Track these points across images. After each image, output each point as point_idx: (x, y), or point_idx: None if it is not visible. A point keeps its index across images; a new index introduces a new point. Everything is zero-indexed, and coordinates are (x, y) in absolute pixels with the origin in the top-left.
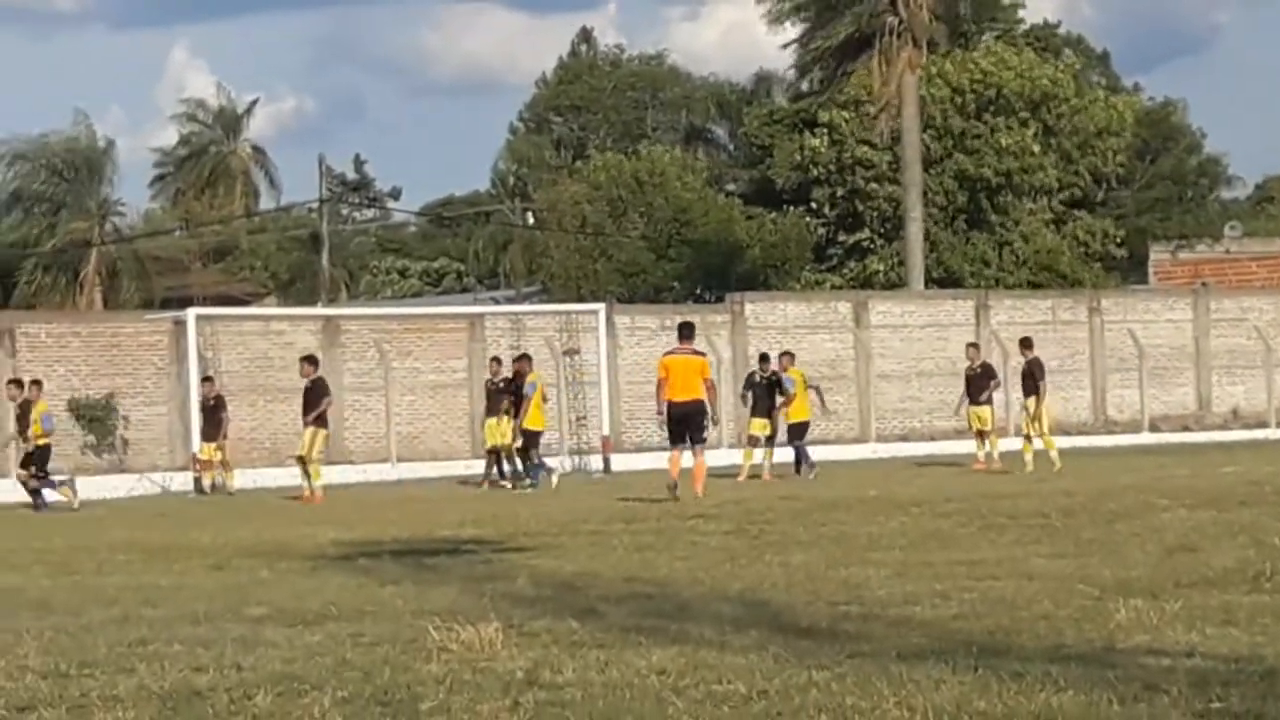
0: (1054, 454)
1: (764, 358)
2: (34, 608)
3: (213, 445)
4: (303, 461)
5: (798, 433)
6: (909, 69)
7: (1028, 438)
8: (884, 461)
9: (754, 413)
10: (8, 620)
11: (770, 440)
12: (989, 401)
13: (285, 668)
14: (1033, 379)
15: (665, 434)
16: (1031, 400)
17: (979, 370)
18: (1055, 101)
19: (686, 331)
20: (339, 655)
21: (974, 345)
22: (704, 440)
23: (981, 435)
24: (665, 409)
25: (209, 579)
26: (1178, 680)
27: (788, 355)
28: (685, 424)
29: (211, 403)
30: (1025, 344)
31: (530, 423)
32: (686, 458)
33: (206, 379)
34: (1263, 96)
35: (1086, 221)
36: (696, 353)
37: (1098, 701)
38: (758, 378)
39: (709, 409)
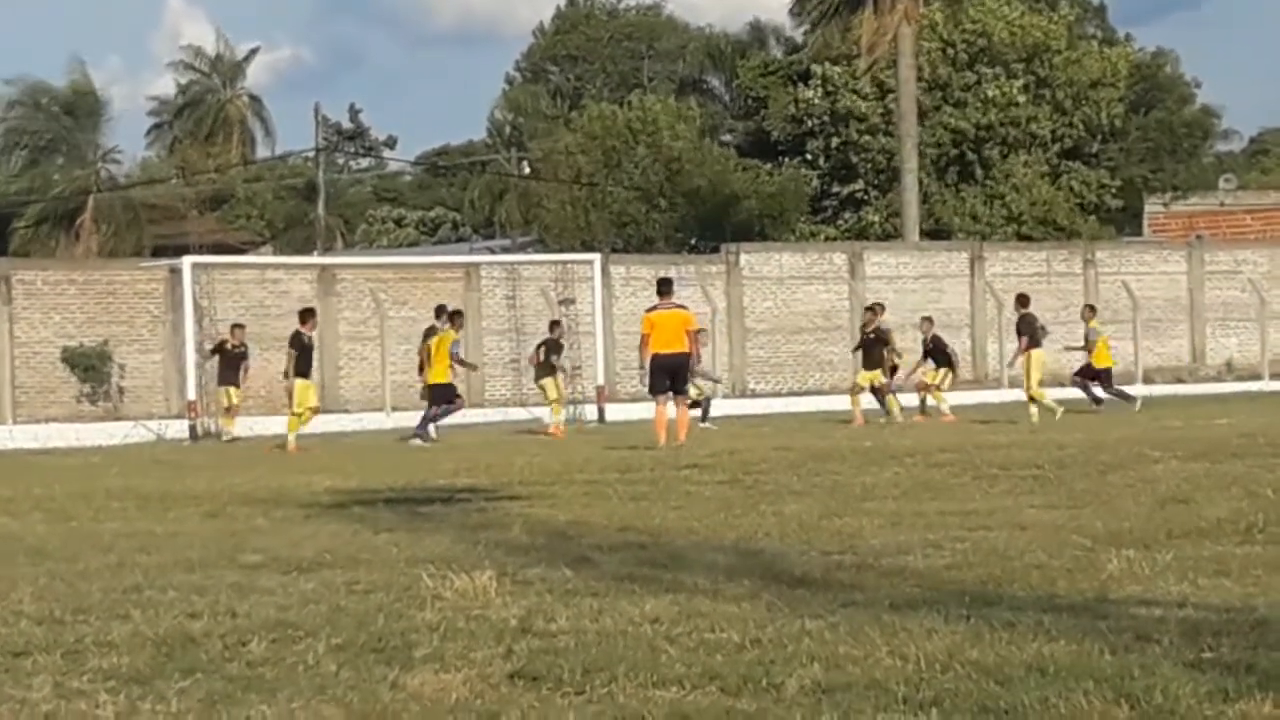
0: (1033, 410)
1: (871, 308)
2: (30, 554)
3: (235, 390)
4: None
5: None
6: (905, 20)
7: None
8: (879, 411)
9: (865, 365)
10: (4, 566)
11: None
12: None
13: (280, 614)
14: (1019, 335)
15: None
16: (1021, 357)
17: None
18: (1048, 53)
19: (666, 287)
20: (333, 602)
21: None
22: (685, 391)
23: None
24: (651, 362)
25: (204, 526)
26: (1169, 630)
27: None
28: (671, 375)
29: (241, 349)
30: (1020, 300)
31: (436, 377)
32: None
33: (238, 325)
34: (1259, 50)
35: (1081, 173)
36: (679, 306)
37: (1089, 651)
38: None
39: (694, 360)
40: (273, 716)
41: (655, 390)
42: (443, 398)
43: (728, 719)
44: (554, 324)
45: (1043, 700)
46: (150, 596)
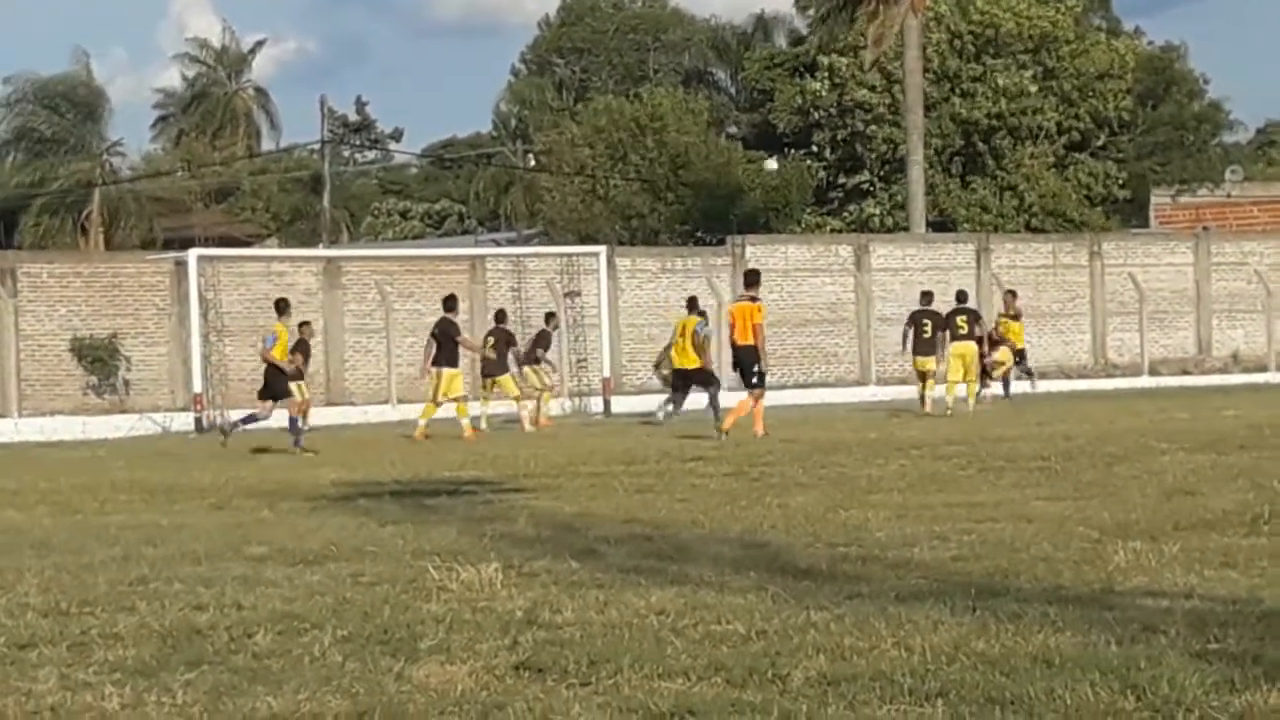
0: (949, 398)
1: (926, 295)
2: (36, 546)
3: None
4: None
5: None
6: (912, 11)
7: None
8: (884, 404)
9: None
10: (10, 558)
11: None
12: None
13: (285, 606)
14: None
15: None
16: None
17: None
18: (1055, 44)
19: (752, 278)
20: (339, 594)
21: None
22: (756, 386)
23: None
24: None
25: (210, 518)
26: (1176, 621)
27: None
28: (737, 367)
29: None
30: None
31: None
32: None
33: (305, 323)
34: (1265, 41)
35: (1088, 165)
36: (753, 299)
37: (1095, 642)
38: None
39: (759, 354)
40: (279, 708)
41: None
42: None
43: (733, 711)
44: (550, 315)
45: (1049, 691)
46: (156, 589)
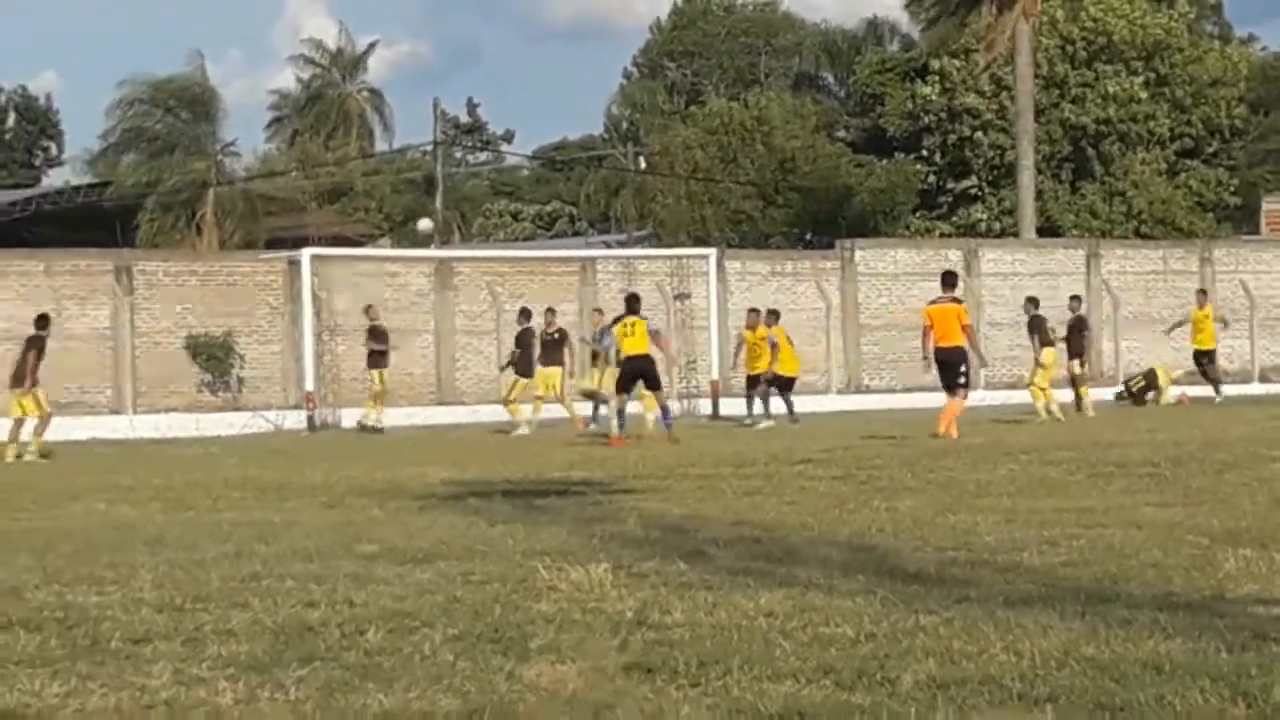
0: (1039, 405)
1: (1075, 298)
2: (150, 542)
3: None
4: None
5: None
6: (1024, 16)
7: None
8: (993, 408)
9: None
10: (124, 554)
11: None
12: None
13: (396, 604)
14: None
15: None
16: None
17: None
18: (1168, 51)
19: (950, 280)
20: (449, 593)
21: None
22: (960, 386)
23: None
24: (934, 355)
25: (321, 516)
26: None
27: (772, 314)
28: (943, 369)
29: (555, 335)
30: (1032, 302)
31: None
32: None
33: (550, 309)
34: None
35: (1200, 171)
36: (955, 300)
37: (1206, 649)
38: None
39: (968, 354)
40: (390, 705)
41: (944, 385)
42: None
43: (842, 713)
44: (524, 312)
45: (1159, 698)
46: (268, 585)
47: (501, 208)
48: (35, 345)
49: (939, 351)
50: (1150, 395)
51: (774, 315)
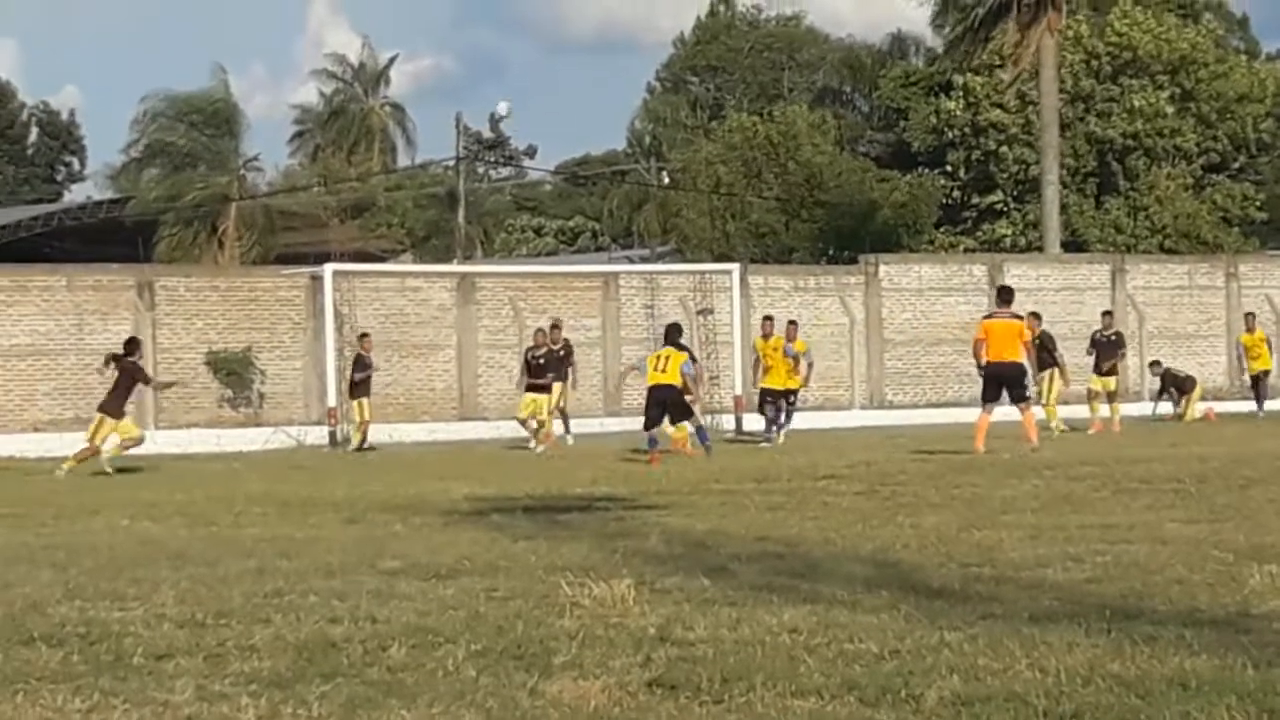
0: (1054, 423)
1: (1106, 314)
2: (172, 558)
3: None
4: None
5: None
6: (1049, 31)
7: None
8: (1014, 424)
9: (1096, 369)
10: (147, 570)
11: (1113, 396)
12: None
13: (419, 620)
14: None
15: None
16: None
17: (1111, 338)
18: (1194, 66)
19: (1006, 295)
20: (472, 609)
21: (1108, 313)
22: (1027, 399)
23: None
24: (985, 370)
25: (343, 532)
26: None
27: (793, 325)
28: (1004, 384)
29: (560, 351)
30: (1035, 317)
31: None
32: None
33: (364, 335)
34: None
35: (1226, 186)
36: (1015, 316)
37: (1232, 666)
38: (1099, 336)
39: (1029, 369)
40: None
41: (985, 399)
42: None
43: None
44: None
45: (1184, 715)
46: (291, 601)
47: (524, 223)
48: (132, 371)
49: (997, 366)
50: (1177, 404)
51: (793, 326)
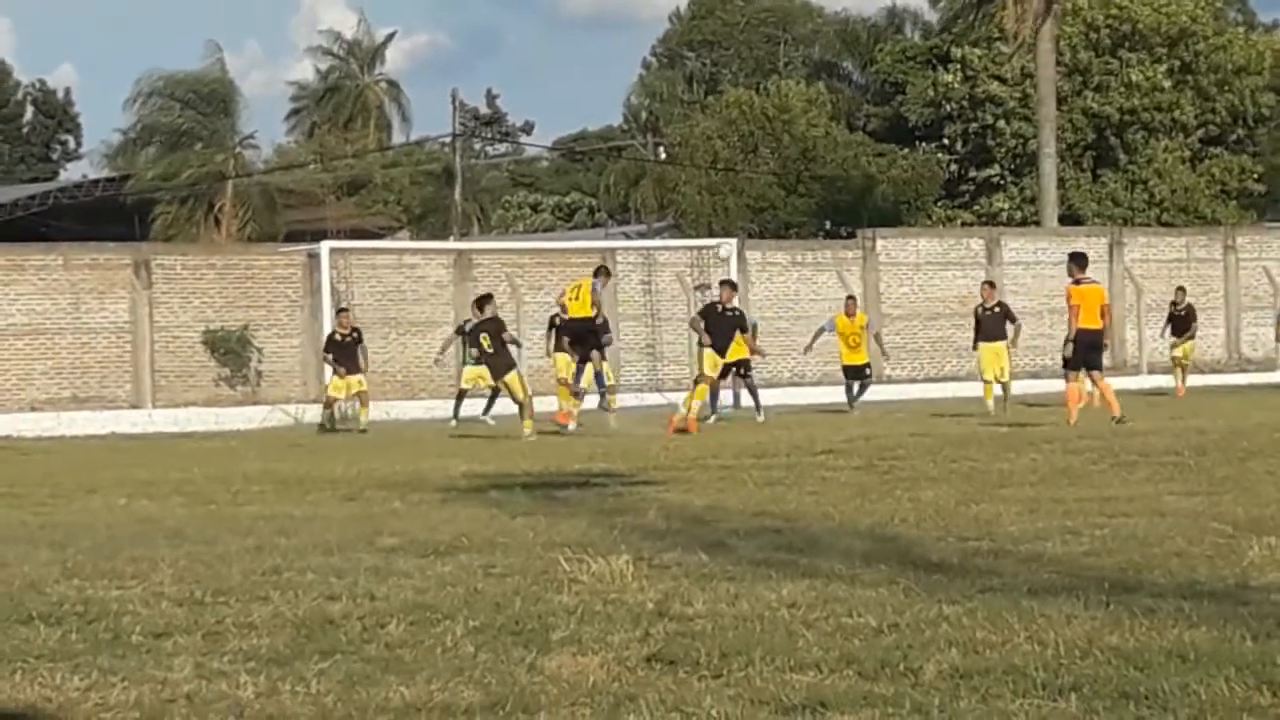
0: (988, 402)
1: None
2: (170, 536)
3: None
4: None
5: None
6: (1046, 6)
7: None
8: (1012, 398)
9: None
10: (145, 548)
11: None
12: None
13: (417, 597)
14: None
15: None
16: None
17: (1184, 311)
18: (1193, 38)
19: (1083, 260)
20: (470, 585)
21: (1181, 289)
22: (1101, 366)
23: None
24: (1079, 337)
25: (342, 509)
26: None
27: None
28: (1096, 351)
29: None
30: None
31: None
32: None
33: (343, 310)
34: None
35: (1224, 159)
36: (1094, 282)
37: (1230, 638)
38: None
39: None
40: (411, 697)
41: (1074, 366)
42: None
43: (865, 704)
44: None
45: (1183, 686)
46: (289, 579)
47: (521, 199)
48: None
49: (1091, 334)
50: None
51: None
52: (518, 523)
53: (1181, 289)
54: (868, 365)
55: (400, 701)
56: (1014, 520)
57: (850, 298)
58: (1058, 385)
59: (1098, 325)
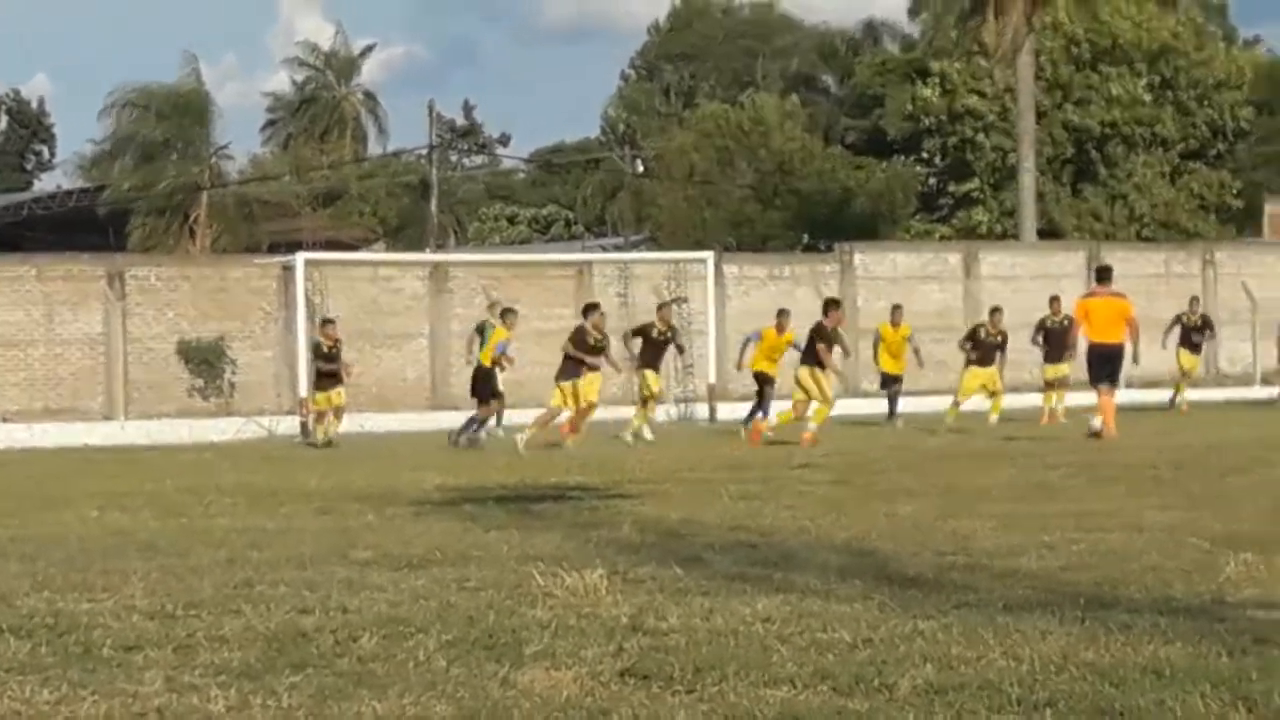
0: (950, 419)
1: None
2: (142, 549)
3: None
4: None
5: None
6: (1025, 18)
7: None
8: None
9: (1046, 358)
10: (116, 561)
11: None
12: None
13: (390, 610)
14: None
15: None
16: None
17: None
18: (1173, 53)
19: (1107, 275)
20: (444, 599)
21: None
22: (1117, 381)
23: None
24: (1089, 352)
25: (315, 522)
26: None
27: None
28: (1108, 364)
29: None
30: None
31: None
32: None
33: (328, 322)
34: None
35: (1203, 174)
36: (1118, 295)
37: (1206, 654)
38: (1049, 322)
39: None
40: (383, 712)
41: (1095, 380)
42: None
43: (840, 719)
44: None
45: (1159, 703)
46: (261, 592)
47: (497, 211)
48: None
49: (1102, 347)
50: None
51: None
52: (491, 536)
53: (1195, 299)
54: (900, 377)
55: (372, 716)
56: (990, 535)
57: (896, 307)
58: (1035, 400)
59: (1110, 339)
